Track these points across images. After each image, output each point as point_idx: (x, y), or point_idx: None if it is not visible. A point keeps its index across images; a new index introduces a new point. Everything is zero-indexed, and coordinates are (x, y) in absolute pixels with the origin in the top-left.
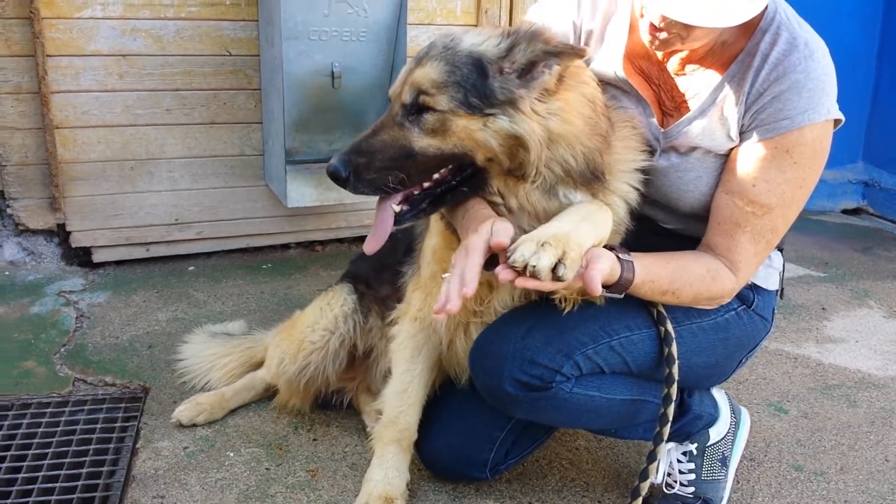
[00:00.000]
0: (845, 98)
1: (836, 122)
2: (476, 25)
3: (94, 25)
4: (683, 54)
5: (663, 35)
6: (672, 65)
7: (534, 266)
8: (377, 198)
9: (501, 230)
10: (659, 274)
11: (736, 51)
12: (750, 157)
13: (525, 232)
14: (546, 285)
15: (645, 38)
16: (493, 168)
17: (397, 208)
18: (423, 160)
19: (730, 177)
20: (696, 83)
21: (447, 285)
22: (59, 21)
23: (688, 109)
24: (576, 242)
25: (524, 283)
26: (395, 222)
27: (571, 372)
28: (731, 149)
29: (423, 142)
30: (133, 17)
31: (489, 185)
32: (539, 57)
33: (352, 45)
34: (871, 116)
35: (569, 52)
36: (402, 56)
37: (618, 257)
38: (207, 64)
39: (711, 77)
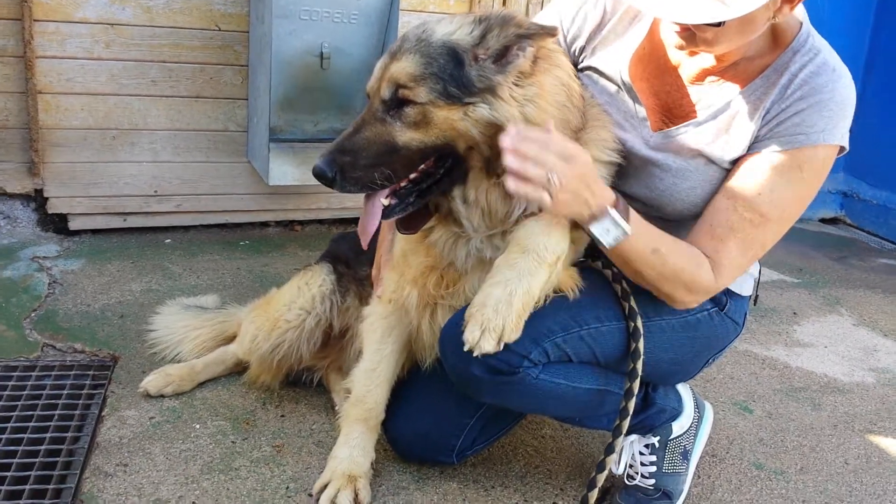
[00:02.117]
0: None
1: (841, 149)
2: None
3: None
4: (707, 64)
5: (689, 34)
6: (689, 71)
7: (482, 349)
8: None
9: None
10: (650, 230)
11: (761, 66)
12: (760, 166)
13: (472, 227)
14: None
15: (671, 38)
16: (473, 157)
17: (386, 202)
18: (407, 154)
19: (735, 182)
20: (712, 95)
21: None
22: None
23: (695, 114)
24: (516, 315)
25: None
26: (384, 216)
27: (539, 358)
28: (736, 160)
29: (405, 136)
30: None
31: (468, 176)
32: (512, 40)
33: (343, 27)
34: (854, 128)
35: (540, 33)
36: (393, 40)
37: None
38: (196, 37)
39: (730, 89)
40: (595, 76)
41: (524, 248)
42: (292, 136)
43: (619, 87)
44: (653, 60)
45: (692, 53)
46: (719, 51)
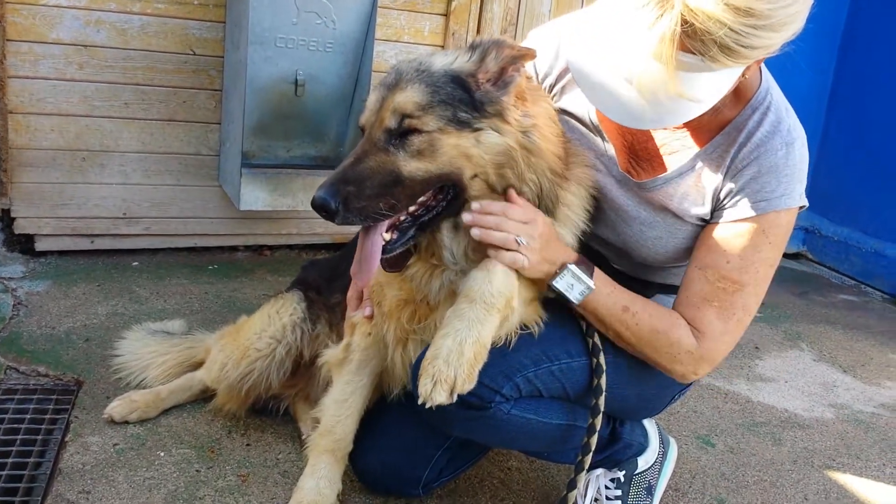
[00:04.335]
0: None
1: (801, 206)
2: (443, 46)
3: (58, 14)
4: None
5: None
6: None
7: (434, 402)
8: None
9: None
10: (619, 290)
11: (723, 122)
12: (725, 234)
13: (452, 258)
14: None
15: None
16: (475, 186)
17: (387, 236)
18: (411, 184)
19: (703, 252)
20: (676, 140)
21: None
22: (23, 6)
23: (661, 162)
24: (468, 364)
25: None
26: (385, 251)
27: (511, 393)
28: (701, 220)
29: (410, 165)
30: (98, 8)
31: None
32: (508, 61)
33: (318, 55)
34: (817, 166)
35: (528, 54)
36: (368, 69)
37: (579, 259)
38: (170, 61)
39: (692, 140)
40: (565, 117)
41: (471, 297)
42: (265, 162)
43: (587, 126)
44: None
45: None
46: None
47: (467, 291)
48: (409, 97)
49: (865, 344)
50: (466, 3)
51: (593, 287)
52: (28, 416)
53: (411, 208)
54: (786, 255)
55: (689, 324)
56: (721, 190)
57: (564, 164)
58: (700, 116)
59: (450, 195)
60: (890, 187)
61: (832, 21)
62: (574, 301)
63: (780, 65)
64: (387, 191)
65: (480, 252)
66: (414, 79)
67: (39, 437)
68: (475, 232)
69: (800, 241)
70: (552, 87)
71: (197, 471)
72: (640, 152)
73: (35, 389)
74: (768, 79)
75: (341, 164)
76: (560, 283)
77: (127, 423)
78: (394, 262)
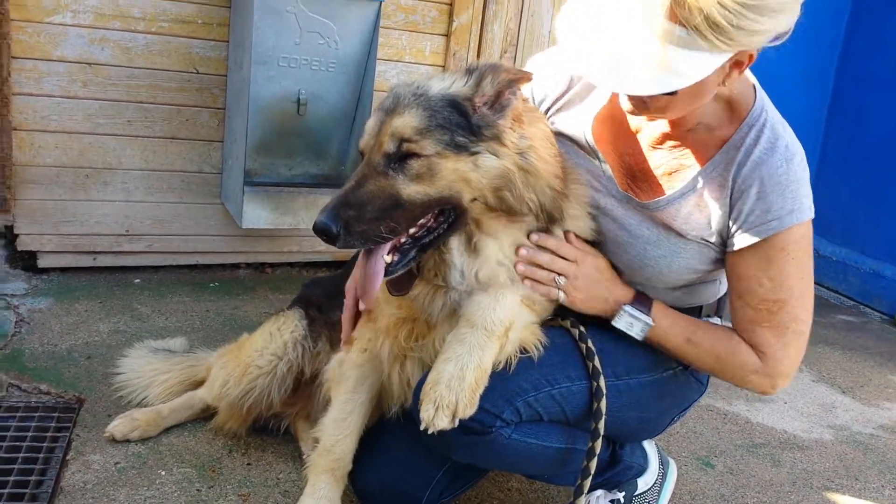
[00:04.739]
0: None
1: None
2: (443, 66)
3: (63, 32)
4: (666, 129)
5: (640, 101)
6: (650, 135)
7: (436, 427)
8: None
9: None
10: (680, 320)
11: (720, 140)
12: (749, 260)
13: (460, 279)
14: None
15: (625, 104)
16: (475, 209)
17: (388, 258)
18: (411, 207)
19: (735, 282)
20: (674, 160)
21: None
22: (28, 24)
23: (657, 182)
24: (469, 389)
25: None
26: (387, 273)
27: (512, 418)
28: (704, 240)
29: (409, 189)
30: (103, 26)
31: (482, 223)
32: (504, 85)
33: (320, 75)
34: (815, 187)
35: (524, 77)
36: (370, 89)
37: (635, 297)
38: (174, 80)
39: (692, 160)
40: (561, 138)
41: (473, 323)
42: (267, 180)
43: (583, 148)
44: (615, 123)
45: (650, 118)
46: (671, 116)
47: (469, 316)
48: (406, 122)
49: (864, 365)
50: (467, 24)
51: (651, 324)
52: (30, 434)
53: (412, 230)
54: None
55: (749, 346)
56: (730, 214)
57: (563, 184)
58: (695, 128)
59: (451, 217)
60: (888, 208)
61: (830, 39)
62: (637, 338)
63: (777, 86)
64: (387, 214)
65: (494, 275)
66: (411, 103)
67: (41, 456)
68: (520, 268)
69: None
70: (547, 111)
71: (198, 490)
72: (637, 173)
73: (37, 407)
74: (763, 97)
75: (342, 188)
76: (619, 323)
77: (128, 441)
78: (399, 286)
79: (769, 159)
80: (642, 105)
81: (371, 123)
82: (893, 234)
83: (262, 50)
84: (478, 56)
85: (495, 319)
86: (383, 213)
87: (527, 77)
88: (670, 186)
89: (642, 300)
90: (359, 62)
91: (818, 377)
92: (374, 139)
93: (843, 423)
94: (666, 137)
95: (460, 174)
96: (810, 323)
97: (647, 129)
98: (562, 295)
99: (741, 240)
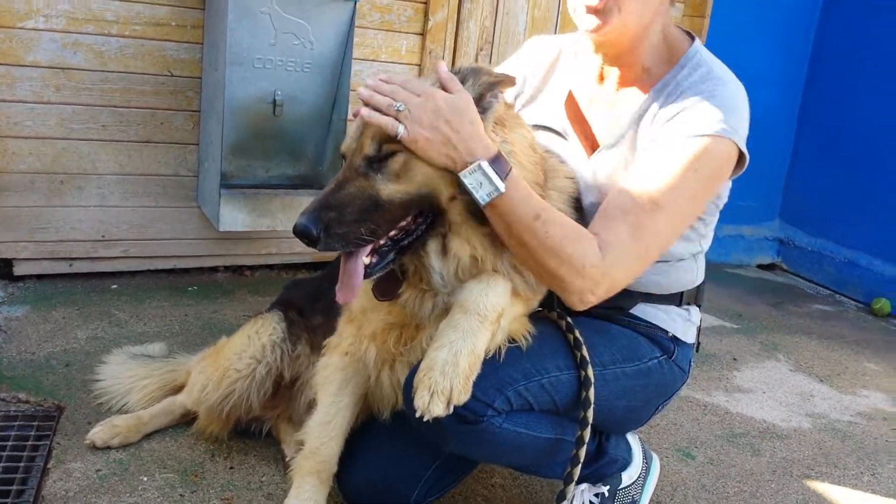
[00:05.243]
0: (766, 158)
1: (741, 163)
2: (419, 65)
3: (36, 37)
4: (619, 77)
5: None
6: (608, 88)
7: (431, 414)
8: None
9: None
10: (535, 196)
11: (656, 79)
12: (653, 153)
13: (442, 282)
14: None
15: (584, 22)
16: (454, 210)
17: (367, 260)
18: (391, 207)
19: (629, 170)
20: (614, 116)
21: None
22: (0, 30)
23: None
24: (463, 375)
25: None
26: (366, 275)
27: (503, 407)
28: None
29: (388, 188)
30: (76, 31)
31: (452, 228)
32: (486, 88)
33: (296, 76)
34: (789, 177)
35: (506, 81)
36: (346, 89)
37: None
38: (148, 83)
39: (626, 107)
40: (539, 131)
41: (465, 308)
42: (244, 182)
43: (557, 133)
44: (573, 102)
45: (602, 37)
46: (624, 19)
47: (462, 302)
48: (387, 122)
49: (841, 353)
50: (443, 23)
51: (502, 190)
52: (9, 444)
53: (392, 233)
54: (761, 266)
55: (597, 234)
56: (653, 131)
57: (542, 189)
58: (641, 72)
59: (429, 219)
60: (862, 198)
61: (803, 32)
62: (480, 201)
63: (751, 77)
64: (367, 216)
65: (471, 273)
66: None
67: (21, 465)
68: (362, 92)
69: (774, 252)
70: (524, 105)
71: (181, 495)
72: (591, 137)
73: (16, 416)
74: (699, 43)
75: (322, 190)
76: (468, 179)
77: (109, 448)
78: (385, 291)
79: (701, 84)
80: (598, 12)
81: (354, 126)
82: (868, 223)
83: (236, 51)
84: (454, 53)
85: (488, 305)
86: (363, 214)
87: (509, 81)
88: (609, 137)
89: (502, 164)
90: (334, 62)
91: (796, 366)
92: (356, 142)
93: (821, 411)
94: (620, 85)
95: (437, 170)
96: (656, 258)
97: (605, 87)
98: (401, 129)
99: (656, 142)
